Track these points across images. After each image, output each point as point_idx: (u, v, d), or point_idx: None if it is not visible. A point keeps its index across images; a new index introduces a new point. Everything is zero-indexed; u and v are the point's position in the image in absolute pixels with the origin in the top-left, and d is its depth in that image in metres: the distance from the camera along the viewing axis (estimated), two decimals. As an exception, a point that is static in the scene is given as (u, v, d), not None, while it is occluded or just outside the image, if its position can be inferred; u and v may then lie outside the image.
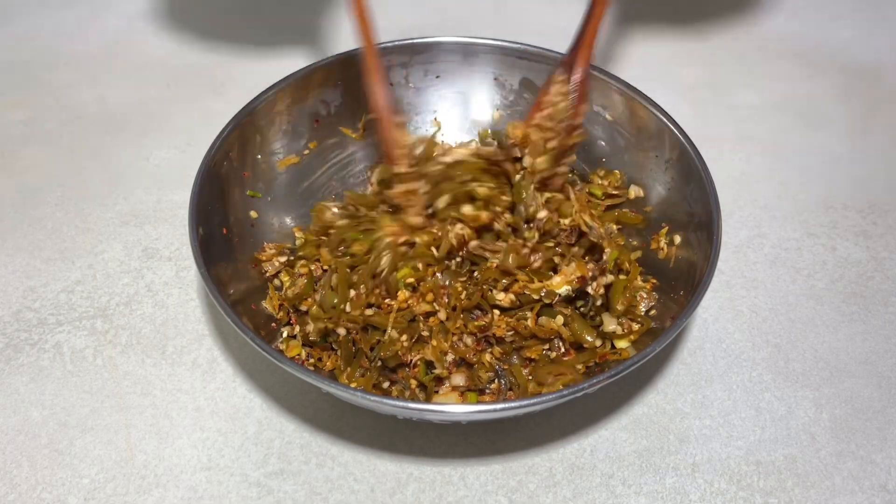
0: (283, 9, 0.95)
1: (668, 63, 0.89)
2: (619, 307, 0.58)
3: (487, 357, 0.57)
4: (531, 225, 0.59)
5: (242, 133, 0.62)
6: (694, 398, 0.60)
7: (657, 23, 0.95)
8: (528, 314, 0.57)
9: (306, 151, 0.68)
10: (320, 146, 0.69)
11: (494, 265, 0.57)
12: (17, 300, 0.65)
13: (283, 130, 0.66)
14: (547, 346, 0.58)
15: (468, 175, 0.60)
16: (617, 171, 0.67)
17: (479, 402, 0.56)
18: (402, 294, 0.56)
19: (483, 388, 0.57)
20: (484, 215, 0.58)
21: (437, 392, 0.56)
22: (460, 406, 0.49)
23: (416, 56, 0.70)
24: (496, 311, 0.57)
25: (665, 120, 0.62)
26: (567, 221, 0.59)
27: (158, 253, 0.69)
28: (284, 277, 0.62)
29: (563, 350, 0.58)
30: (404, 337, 0.56)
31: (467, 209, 0.59)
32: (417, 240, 0.58)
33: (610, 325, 0.58)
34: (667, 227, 0.62)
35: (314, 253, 0.61)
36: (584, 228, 0.59)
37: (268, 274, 0.62)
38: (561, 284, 0.57)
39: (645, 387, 0.61)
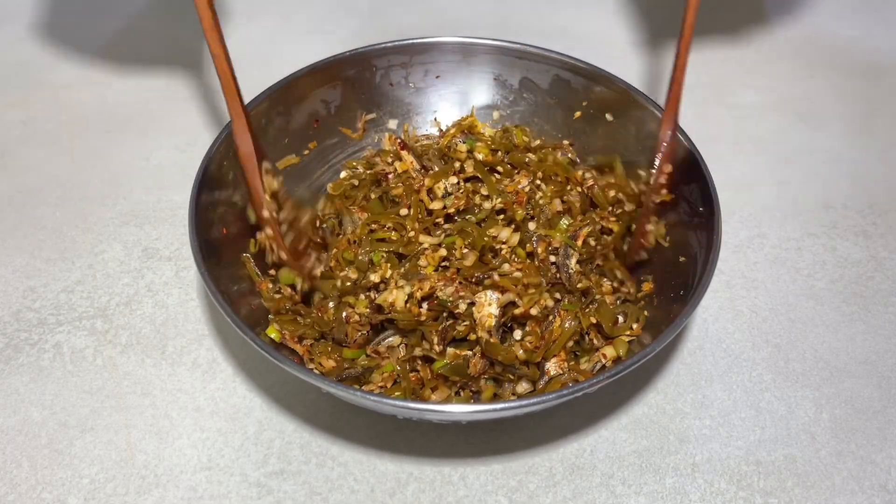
0: (283, 9, 0.95)
1: (668, 63, 0.89)
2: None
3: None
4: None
5: (242, 133, 0.62)
6: (694, 398, 0.60)
7: (657, 23, 0.95)
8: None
9: (306, 151, 0.68)
10: (320, 146, 0.69)
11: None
12: (17, 300, 0.65)
13: (283, 130, 0.66)
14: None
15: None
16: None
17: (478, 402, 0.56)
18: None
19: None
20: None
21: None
22: (460, 406, 0.49)
23: (416, 56, 0.70)
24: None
25: (665, 120, 0.62)
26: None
27: (158, 253, 0.69)
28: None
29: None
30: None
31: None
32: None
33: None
34: (665, 227, 0.62)
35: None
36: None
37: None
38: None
39: (645, 387, 0.61)
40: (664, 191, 0.61)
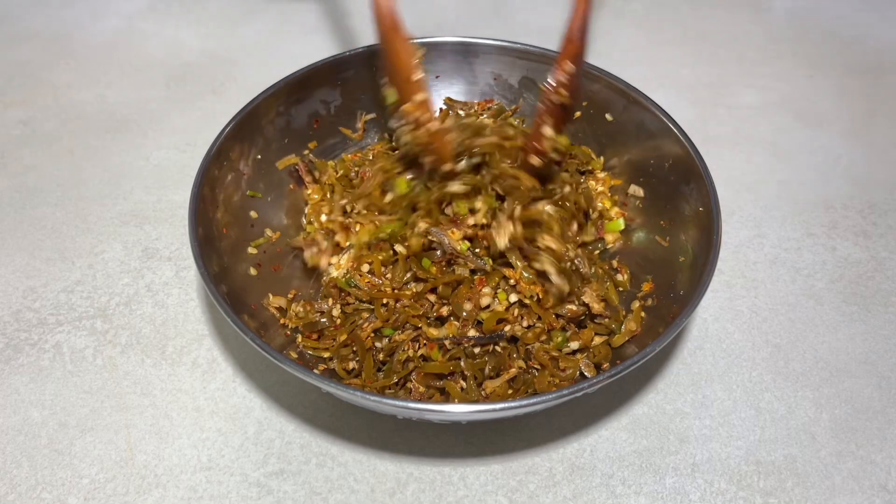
0: (283, 9, 0.95)
1: (668, 63, 0.90)
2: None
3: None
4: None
5: (242, 133, 0.62)
6: (694, 398, 0.60)
7: (657, 23, 0.95)
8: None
9: (306, 151, 0.68)
10: (320, 146, 0.69)
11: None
12: (17, 300, 0.65)
13: (283, 130, 0.66)
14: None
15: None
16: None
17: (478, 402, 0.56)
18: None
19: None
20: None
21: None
22: (460, 406, 0.49)
23: (416, 56, 0.70)
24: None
25: (665, 120, 0.62)
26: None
27: (158, 253, 0.69)
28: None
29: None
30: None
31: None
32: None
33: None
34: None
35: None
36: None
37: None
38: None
39: (645, 387, 0.61)
40: (563, 91, 0.56)
